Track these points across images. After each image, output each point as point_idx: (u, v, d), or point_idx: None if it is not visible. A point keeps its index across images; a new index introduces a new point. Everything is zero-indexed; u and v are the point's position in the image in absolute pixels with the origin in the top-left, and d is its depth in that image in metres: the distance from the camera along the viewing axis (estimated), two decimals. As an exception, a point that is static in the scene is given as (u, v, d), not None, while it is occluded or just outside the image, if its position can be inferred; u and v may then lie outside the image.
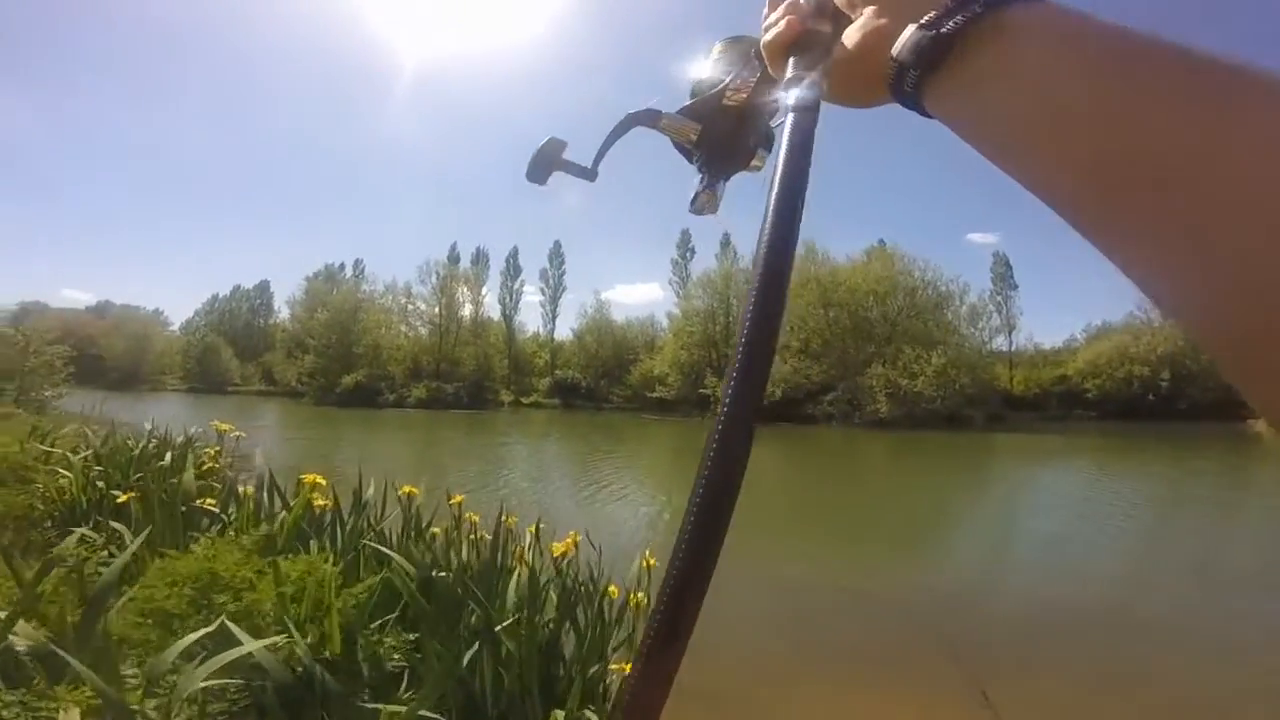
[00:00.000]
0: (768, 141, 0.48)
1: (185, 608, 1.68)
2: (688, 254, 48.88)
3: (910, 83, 0.30)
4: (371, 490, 3.49)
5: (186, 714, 1.36)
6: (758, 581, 5.47)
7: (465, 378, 43.16)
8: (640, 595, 2.59)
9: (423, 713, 1.52)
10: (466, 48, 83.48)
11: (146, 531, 2.43)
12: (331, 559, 2.58)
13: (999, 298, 40.12)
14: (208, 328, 58.65)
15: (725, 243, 45.30)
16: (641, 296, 78.36)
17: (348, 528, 3.07)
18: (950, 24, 0.28)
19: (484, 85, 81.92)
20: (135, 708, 1.32)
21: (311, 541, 2.79)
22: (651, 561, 2.72)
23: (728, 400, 0.30)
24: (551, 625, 2.36)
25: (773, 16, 0.39)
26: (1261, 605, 5.02)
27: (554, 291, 51.34)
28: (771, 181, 0.32)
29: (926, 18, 0.29)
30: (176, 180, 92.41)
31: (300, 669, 1.59)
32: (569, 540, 2.75)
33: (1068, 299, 62.88)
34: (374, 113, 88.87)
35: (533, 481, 11.73)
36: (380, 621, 2.17)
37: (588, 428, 28.00)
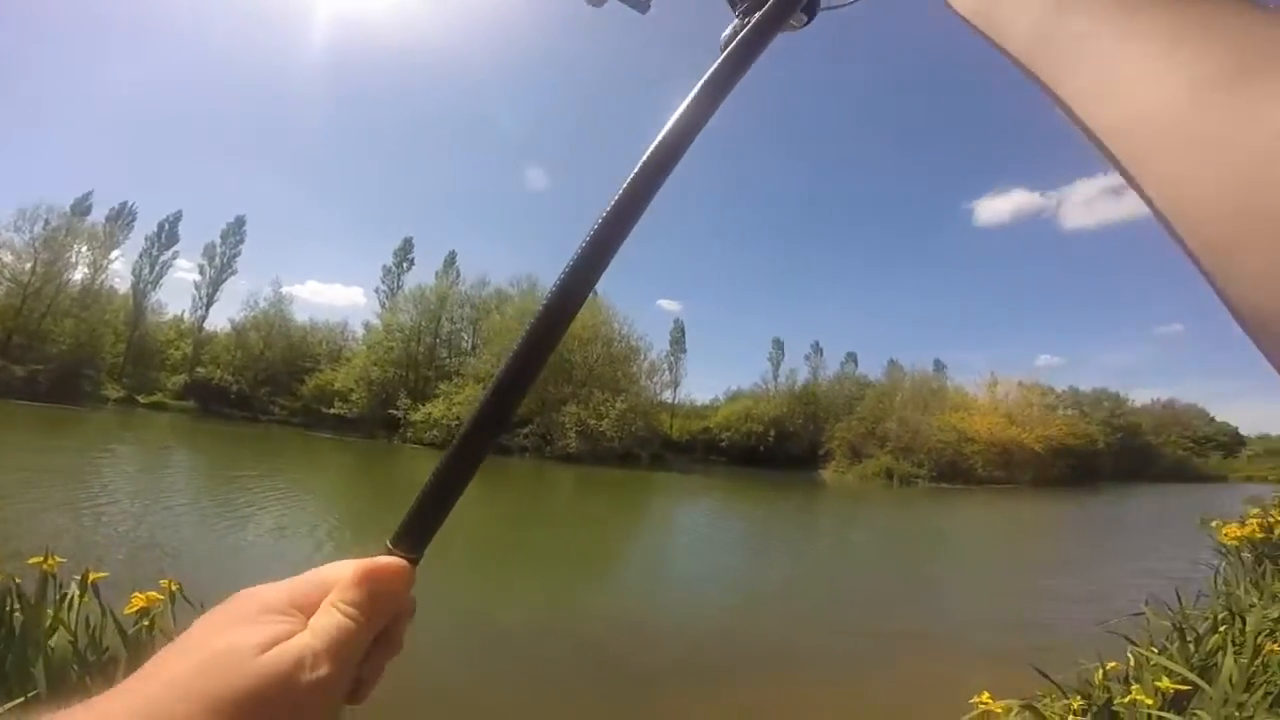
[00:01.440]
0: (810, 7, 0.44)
1: None
2: (405, 263, 45.10)
3: None
4: None
5: None
6: (447, 613, 5.24)
7: (52, 359, 31.52)
8: None
9: None
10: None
11: None
12: None
13: (672, 358, 47.27)
14: None
15: (450, 261, 43.41)
16: (338, 298, 69.04)
17: None
18: None
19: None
20: None
21: None
22: None
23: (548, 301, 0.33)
24: None
25: None
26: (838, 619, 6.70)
27: (217, 272, 41.82)
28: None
29: None
30: None
31: None
32: (154, 593, 2.13)
33: (718, 367, 78.15)
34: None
35: (145, 507, 8.97)
36: None
37: (233, 441, 23.18)
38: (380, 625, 0.31)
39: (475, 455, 0.32)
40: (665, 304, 69.50)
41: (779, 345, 51.87)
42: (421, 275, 43.47)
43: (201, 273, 41.75)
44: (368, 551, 0.31)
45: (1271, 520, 5.39)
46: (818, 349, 51.87)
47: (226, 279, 42.06)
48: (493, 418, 0.32)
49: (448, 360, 38.05)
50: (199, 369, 36.98)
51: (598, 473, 26.07)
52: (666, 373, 46.05)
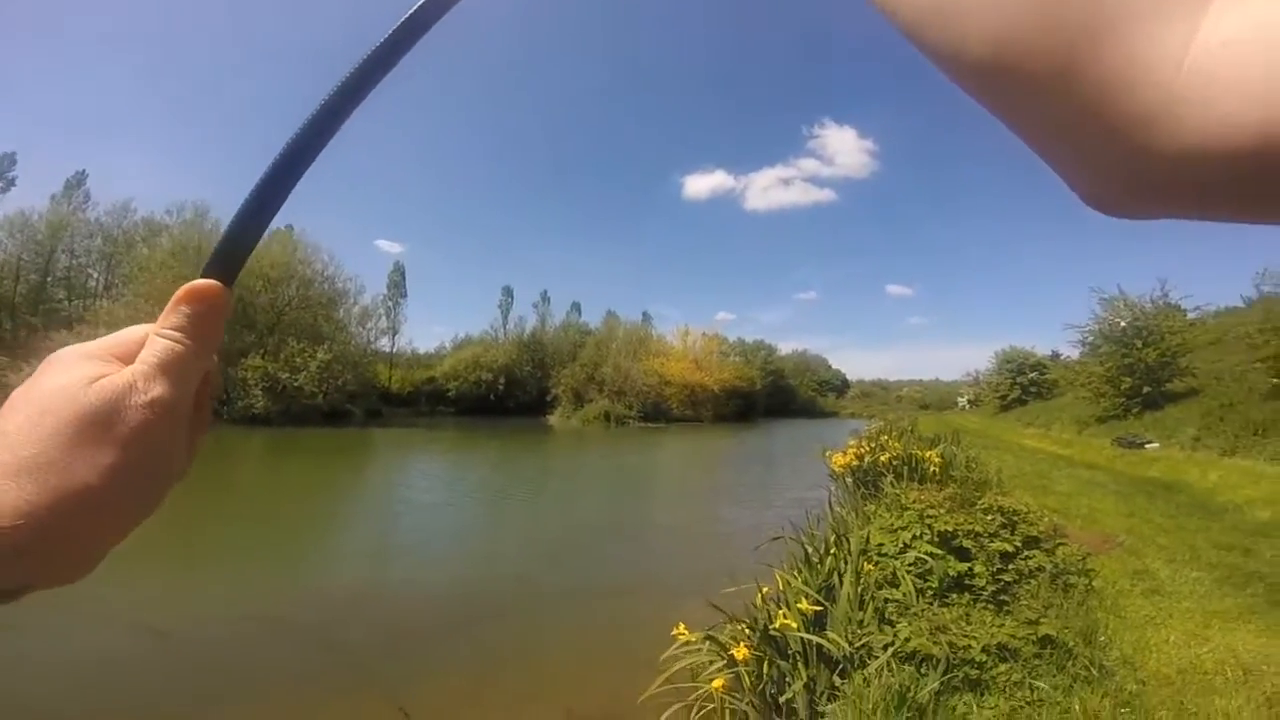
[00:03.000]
0: None
1: None
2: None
3: None
4: None
5: None
6: (130, 626, 4.28)
7: None
8: None
9: None
10: None
11: None
12: None
13: (390, 303, 43.28)
14: None
15: (76, 182, 32.35)
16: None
17: None
18: None
19: None
20: None
21: None
22: None
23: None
24: None
25: None
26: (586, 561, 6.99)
27: None
28: None
29: None
30: None
31: None
32: None
33: (446, 314, 74.17)
34: None
35: None
36: None
37: None
38: (210, 347, 0.32)
39: (283, 185, 0.34)
40: (385, 245, 62.97)
41: (509, 293, 51.68)
42: (28, 197, 32.81)
43: None
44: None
45: (862, 450, 7.50)
46: (545, 298, 53.21)
47: None
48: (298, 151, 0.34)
49: (65, 303, 28.74)
50: None
51: (295, 435, 22.70)
52: (384, 319, 42.17)
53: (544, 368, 45.48)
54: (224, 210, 31.25)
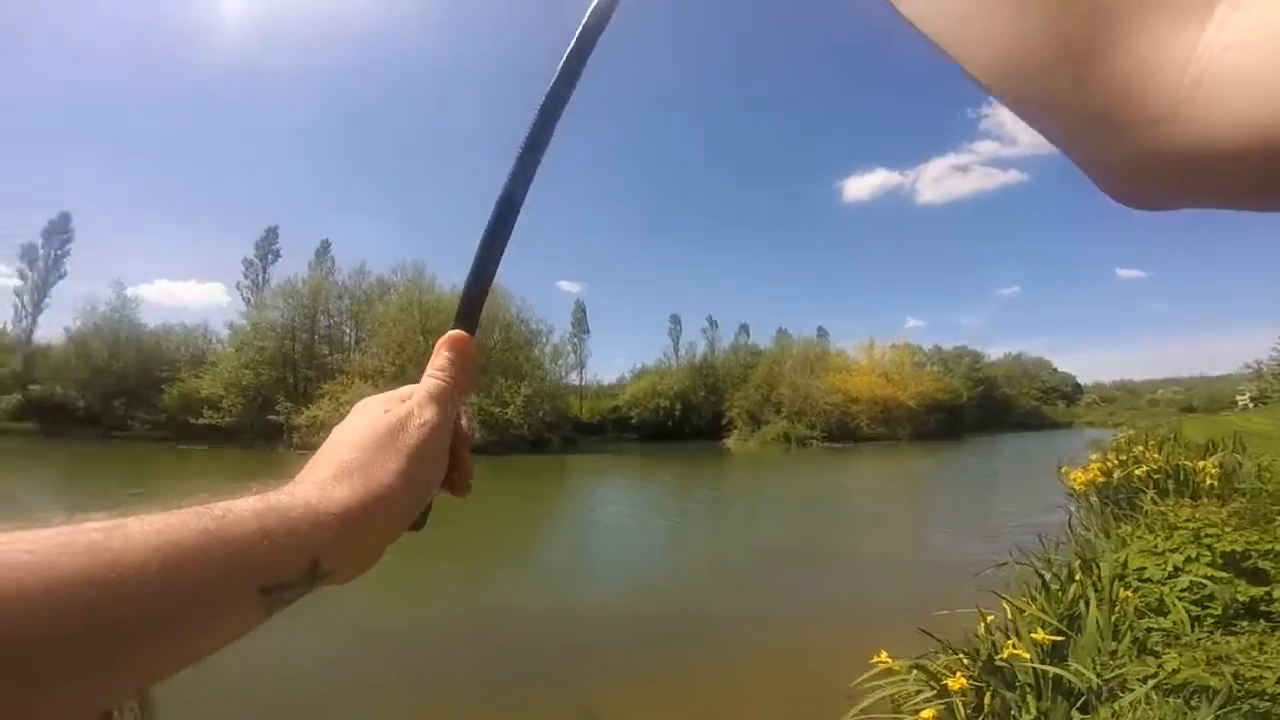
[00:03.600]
0: None
1: None
2: (270, 255, 40.87)
3: None
4: None
5: None
6: (358, 627, 4.95)
7: None
8: None
9: None
10: None
11: None
12: None
13: (575, 340, 46.98)
14: None
15: (323, 251, 39.99)
16: (193, 297, 62.01)
17: None
18: None
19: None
20: None
21: None
22: None
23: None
24: None
25: None
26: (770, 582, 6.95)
27: (43, 277, 36.42)
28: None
29: None
30: None
31: None
32: None
33: (624, 345, 79.08)
34: None
35: None
36: None
37: (88, 462, 20.34)
38: (465, 382, 0.43)
39: (500, 241, 0.43)
40: (565, 285, 68.69)
41: (676, 321, 53.05)
42: (291, 267, 39.92)
43: (23, 278, 36.27)
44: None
45: (1109, 464, 6.29)
46: (712, 322, 53.62)
47: (54, 283, 36.82)
48: (507, 205, 0.42)
49: (329, 357, 35.18)
50: (33, 386, 31.99)
51: (507, 461, 25.51)
52: (571, 355, 45.84)
53: (717, 391, 45.62)
54: (438, 266, 36.77)
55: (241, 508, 0.28)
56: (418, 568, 7.78)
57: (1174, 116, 0.20)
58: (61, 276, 37.24)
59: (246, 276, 40.59)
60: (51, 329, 36.60)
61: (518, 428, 31.34)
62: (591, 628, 5.38)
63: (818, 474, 21.71)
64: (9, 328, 36.05)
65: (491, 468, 23.41)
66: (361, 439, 0.35)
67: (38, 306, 36.30)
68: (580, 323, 47.85)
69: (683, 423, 43.08)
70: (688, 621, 5.48)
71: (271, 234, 41.40)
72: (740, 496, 16.39)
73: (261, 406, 30.88)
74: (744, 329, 54.53)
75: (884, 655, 2.86)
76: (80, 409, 31.51)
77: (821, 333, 54.27)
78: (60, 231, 37.30)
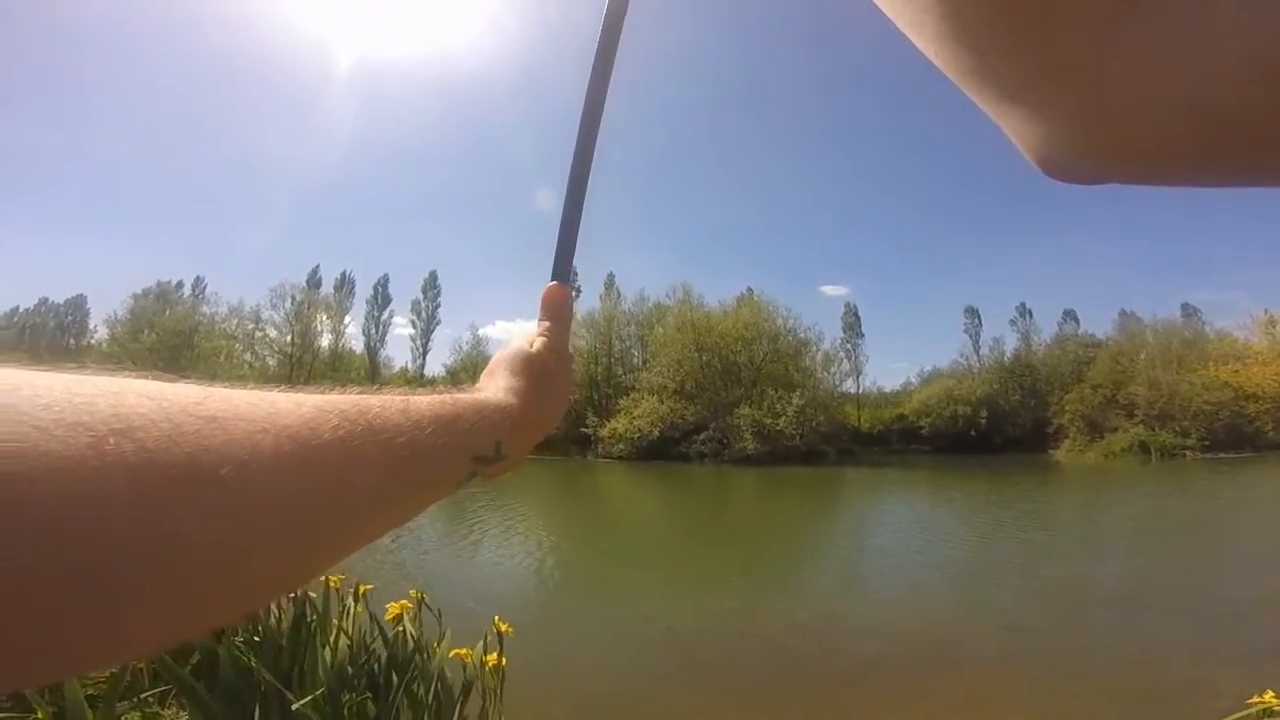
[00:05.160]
0: None
1: None
2: (575, 291, 48.83)
3: None
4: None
5: None
6: (635, 620, 5.53)
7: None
8: (489, 659, 2.26)
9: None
10: (374, 55, 78.26)
11: None
12: None
13: (848, 345, 44.41)
14: (2, 347, 47.59)
15: (609, 284, 45.69)
16: (523, 333, 76.70)
17: None
18: None
19: (357, 95, 77.37)
20: None
21: None
22: (503, 627, 2.36)
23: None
24: (372, 701, 2.19)
25: None
26: (1086, 619, 5.85)
27: (426, 324, 48.30)
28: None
29: None
30: None
31: None
32: (404, 602, 2.55)
33: (904, 348, 71.33)
34: (233, 115, 77.90)
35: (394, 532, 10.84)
36: (155, 692, 1.91)
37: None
38: (564, 323, 0.55)
39: (579, 201, 0.53)
40: (829, 290, 66.00)
41: (974, 314, 46.10)
42: (588, 302, 46.17)
43: (414, 326, 48.35)
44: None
45: None
46: (1025, 311, 45.18)
47: (434, 329, 48.34)
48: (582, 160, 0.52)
49: (623, 376, 39.97)
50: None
51: (779, 472, 25.39)
52: (845, 361, 43.49)
53: (1037, 394, 38.09)
54: (705, 286, 38.69)
55: (464, 398, 0.38)
56: (699, 570, 8.34)
57: (1099, 96, 0.21)
58: (438, 324, 48.83)
59: (557, 313, 48.97)
60: (435, 366, 48.21)
61: (790, 439, 31.01)
62: (864, 645, 5.07)
63: (1194, 493, 16.52)
64: (409, 366, 48.57)
65: (763, 479, 23.56)
66: (514, 366, 0.47)
67: (426, 348, 48.07)
68: (853, 327, 45.24)
69: (990, 432, 36.98)
70: (973, 649, 4.80)
71: (576, 274, 49.17)
72: (1076, 518, 13.45)
73: (575, 421, 36.56)
74: (1070, 316, 44.73)
75: (1269, 695, 2.12)
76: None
77: (1189, 311, 41.30)
78: (432, 287, 49.15)
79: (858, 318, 45.58)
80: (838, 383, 41.37)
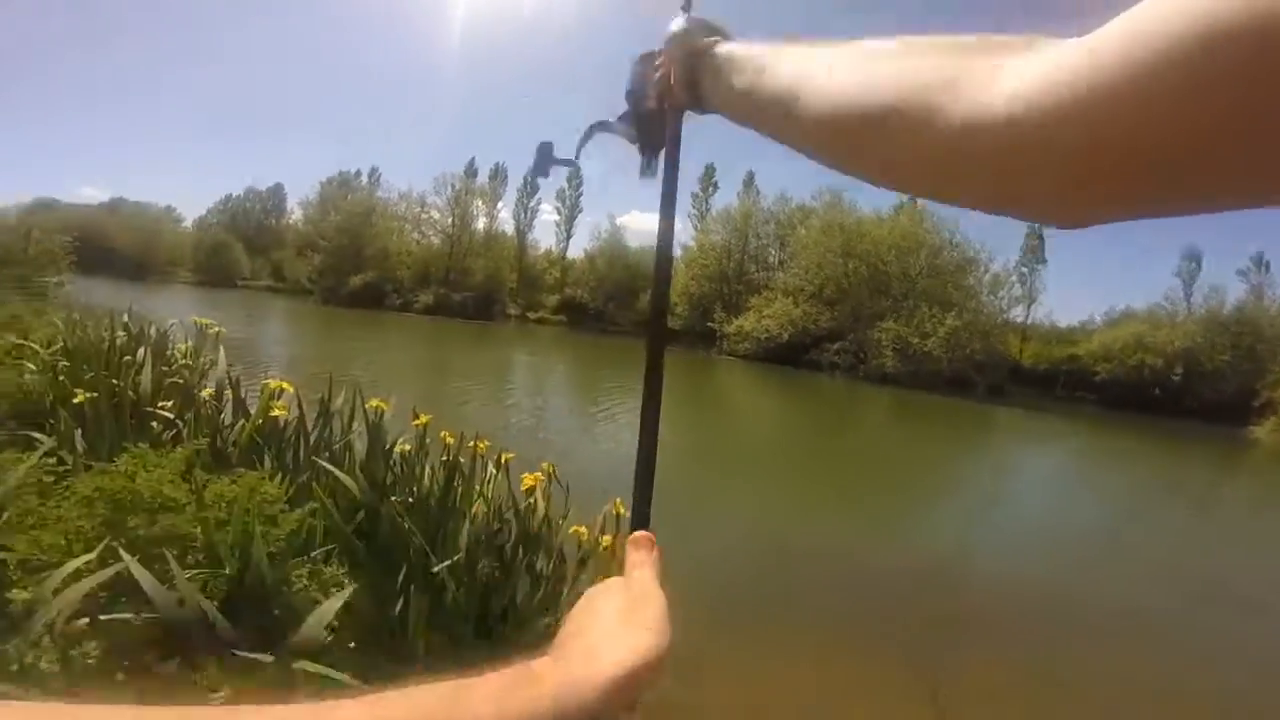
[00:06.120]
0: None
1: (99, 528, 1.58)
2: (710, 188, 48.07)
3: (693, 101, 0.56)
4: (342, 401, 3.06)
5: (51, 651, 1.28)
6: (742, 532, 5.54)
7: (474, 288, 43.04)
8: (605, 539, 2.31)
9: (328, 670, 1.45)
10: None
11: (49, 443, 2.27)
12: (282, 478, 2.47)
13: (1024, 269, 38.87)
14: (219, 226, 57.92)
15: (749, 181, 44.52)
16: (654, 226, 76.72)
17: (313, 441, 2.84)
18: (691, 67, 0.54)
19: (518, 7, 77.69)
20: None
21: (267, 456, 2.67)
22: (622, 509, 2.33)
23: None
24: (499, 570, 2.27)
25: (658, 62, 0.60)
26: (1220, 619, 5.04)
27: (570, 211, 51.43)
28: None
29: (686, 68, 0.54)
30: (200, 85, 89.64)
31: (194, 604, 1.49)
32: (538, 475, 2.57)
33: (1093, 279, 61.06)
34: (403, 22, 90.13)
35: (535, 404, 11.74)
36: (322, 551, 2.08)
37: (594, 351, 27.87)
38: (656, 567, 0.46)
39: (651, 455, 0.51)
40: (1016, 205, 56.84)
41: (1194, 258, 37.76)
42: (725, 198, 46.34)
43: (559, 213, 51.80)
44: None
45: None
46: (1261, 263, 36.16)
47: (577, 216, 51.58)
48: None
49: (756, 274, 39.03)
50: (565, 290, 45.82)
51: (918, 398, 23.67)
52: (1017, 286, 38.29)
53: (1256, 359, 31.06)
54: (856, 195, 35.48)
55: (539, 678, 0.33)
56: (815, 490, 8.12)
57: (1012, 148, 0.26)
58: (580, 211, 51.93)
59: (694, 207, 48.02)
60: (576, 250, 51.20)
61: (936, 362, 28.52)
62: (981, 602, 4.76)
63: None
64: (553, 249, 52.44)
65: (898, 402, 22.13)
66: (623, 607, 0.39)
67: (568, 233, 51.49)
68: (1035, 250, 39.26)
69: (1182, 393, 31.10)
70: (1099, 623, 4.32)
71: (710, 170, 48.03)
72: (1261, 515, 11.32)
73: (702, 315, 36.52)
74: (1322, 275, 35.22)
75: None
76: (591, 308, 43.24)
77: None
78: (576, 177, 50.36)
79: (1042, 240, 39.21)
80: (1005, 309, 36.76)
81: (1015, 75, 0.27)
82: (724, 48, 0.51)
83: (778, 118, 0.43)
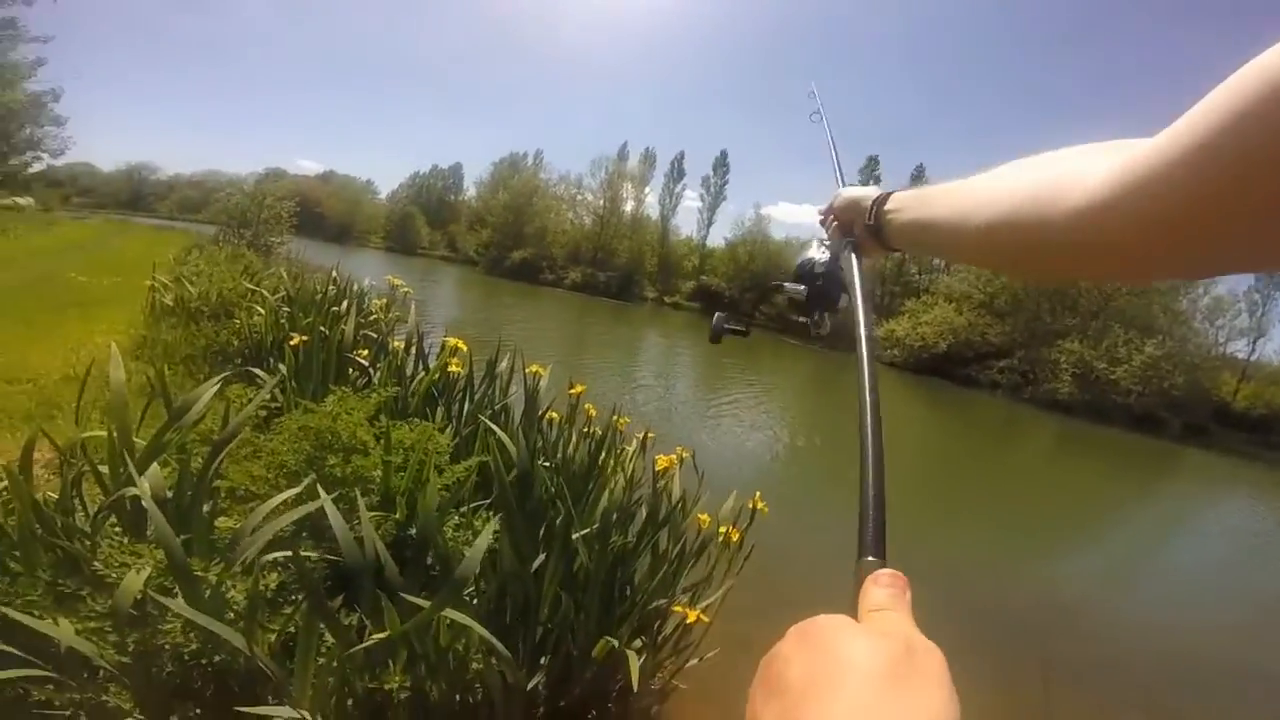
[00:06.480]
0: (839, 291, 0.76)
1: (301, 464, 1.78)
2: (870, 181, 45.41)
3: (877, 243, 0.69)
4: (505, 364, 3.26)
5: (242, 582, 1.36)
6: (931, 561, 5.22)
7: (617, 269, 44.79)
8: (733, 531, 2.25)
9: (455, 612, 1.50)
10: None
11: (276, 380, 2.53)
12: (451, 429, 2.69)
13: (1257, 295, 31.96)
14: (407, 199, 66.69)
15: (918, 175, 41.05)
16: (806, 217, 73.49)
17: (477, 398, 3.04)
18: (872, 220, 0.68)
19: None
20: (200, 573, 1.32)
21: (439, 408, 2.91)
22: (761, 505, 2.30)
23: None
24: (629, 546, 2.30)
25: (829, 219, 0.81)
26: None
27: (714, 199, 51.59)
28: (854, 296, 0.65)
29: (869, 222, 0.68)
30: (396, 70, 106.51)
31: (371, 547, 1.54)
32: (673, 456, 2.51)
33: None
34: (566, 18, 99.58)
35: (666, 386, 11.90)
36: (477, 505, 2.23)
37: (728, 342, 27.30)
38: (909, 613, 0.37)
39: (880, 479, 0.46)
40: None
41: None
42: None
43: (702, 200, 51.89)
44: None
45: None
46: None
47: (720, 204, 51.46)
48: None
49: (916, 277, 36.28)
50: (702, 277, 45.84)
51: (1093, 431, 20.52)
52: (1244, 316, 31.73)
53: None
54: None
55: None
56: (957, 509, 7.38)
57: (1103, 238, 0.36)
58: (724, 200, 51.60)
59: (851, 197, 46.01)
60: (716, 238, 51.25)
61: (1123, 394, 24.56)
62: (1134, 653, 4.12)
63: None
64: (694, 235, 52.48)
65: (1070, 434, 19.35)
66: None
67: (710, 221, 51.41)
68: (1272, 276, 31.96)
69: None
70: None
71: (872, 162, 45.51)
72: None
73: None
74: None
75: None
76: (727, 297, 42.69)
77: None
78: (722, 165, 51.42)
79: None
80: (1222, 340, 30.73)
81: (1105, 168, 0.35)
82: (895, 198, 0.65)
83: (948, 237, 0.55)
